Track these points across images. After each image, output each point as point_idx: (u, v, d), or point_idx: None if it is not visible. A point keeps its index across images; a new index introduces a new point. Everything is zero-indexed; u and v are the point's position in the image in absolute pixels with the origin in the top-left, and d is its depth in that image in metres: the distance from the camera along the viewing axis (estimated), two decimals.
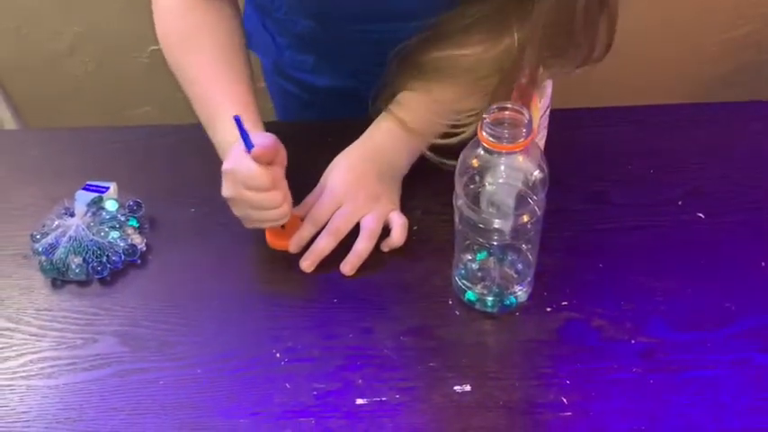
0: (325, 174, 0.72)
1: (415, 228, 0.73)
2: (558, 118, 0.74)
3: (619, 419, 0.59)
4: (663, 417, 0.59)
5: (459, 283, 0.67)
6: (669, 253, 0.70)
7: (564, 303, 0.66)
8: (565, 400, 0.60)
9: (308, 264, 0.69)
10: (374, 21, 0.74)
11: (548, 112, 0.71)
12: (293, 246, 0.70)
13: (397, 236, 0.70)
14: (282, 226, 0.70)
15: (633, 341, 0.64)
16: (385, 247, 0.71)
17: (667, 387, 0.61)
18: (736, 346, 0.63)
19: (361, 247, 0.69)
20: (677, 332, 0.64)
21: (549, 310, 0.66)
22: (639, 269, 0.69)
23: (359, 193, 0.71)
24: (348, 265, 0.69)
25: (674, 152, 0.79)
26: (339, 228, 0.70)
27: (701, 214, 0.73)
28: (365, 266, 0.70)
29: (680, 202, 0.74)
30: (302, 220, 0.71)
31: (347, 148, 0.74)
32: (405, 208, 0.73)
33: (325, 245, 0.69)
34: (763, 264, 0.69)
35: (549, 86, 0.69)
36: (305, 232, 0.70)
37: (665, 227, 0.72)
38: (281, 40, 0.86)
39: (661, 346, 0.63)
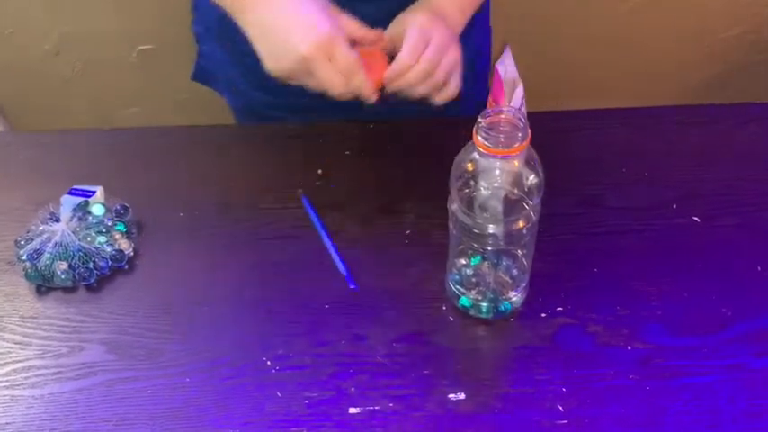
0: (393, 30, 0.70)
1: (408, 232, 0.72)
2: (552, 121, 0.74)
3: (615, 426, 0.59)
4: (659, 423, 0.59)
5: (454, 288, 0.66)
6: (664, 257, 0.70)
7: (559, 309, 0.66)
8: (560, 408, 0.60)
9: (393, 87, 0.67)
10: None
11: (523, 111, 0.70)
12: (391, 72, 0.67)
13: (453, 87, 0.68)
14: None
15: (629, 347, 0.63)
16: (439, 99, 0.69)
17: (663, 393, 0.60)
18: (731, 351, 0.63)
19: (405, 57, 0.66)
20: (673, 337, 0.64)
21: (543, 315, 0.65)
22: (635, 274, 0.68)
23: (442, 27, 0.68)
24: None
25: (669, 155, 0.79)
26: (432, 59, 0.67)
27: (696, 218, 0.73)
28: (358, 271, 0.69)
29: (675, 206, 0.74)
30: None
31: (409, 9, 0.72)
32: (398, 212, 0.73)
33: (416, 76, 0.67)
34: (758, 268, 0.68)
35: (520, 88, 0.68)
36: (406, 59, 0.66)
37: (661, 231, 0.72)
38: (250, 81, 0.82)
39: (657, 352, 0.63)
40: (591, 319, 0.65)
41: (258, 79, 0.81)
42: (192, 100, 1.40)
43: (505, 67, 0.69)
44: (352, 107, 0.74)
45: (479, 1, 0.75)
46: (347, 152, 0.79)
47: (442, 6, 0.72)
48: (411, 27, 0.68)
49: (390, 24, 0.70)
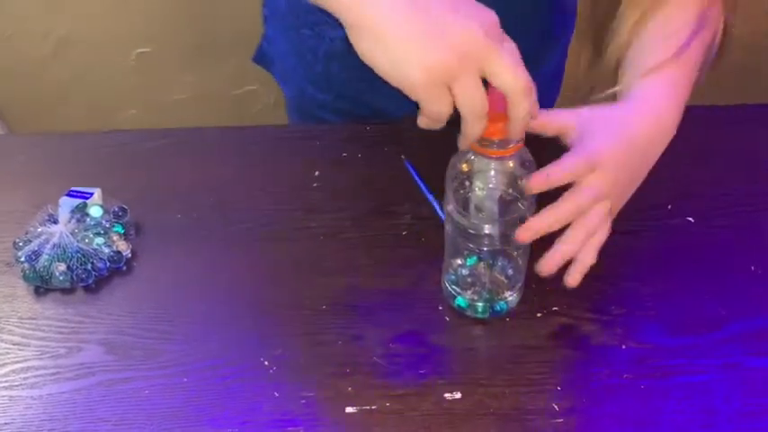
0: (566, 118, 0.56)
1: (404, 233, 0.72)
2: None
3: (610, 425, 0.59)
4: (654, 422, 0.59)
5: (450, 288, 0.66)
6: (659, 257, 0.70)
7: (554, 309, 0.66)
8: (556, 407, 0.60)
9: (527, 235, 0.56)
10: None
11: None
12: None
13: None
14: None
15: (624, 346, 0.63)
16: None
17: (658, 392, 0.61)
18: (726, 351, 0.63)
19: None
20: (668, 337, 0.64)
21: (539, 315, 0.66)
22: (630, 274, 0.68)
23: (620, 166, 0.54)
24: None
25: (663, 155, 0.78)
26: (581, 204, 0.53)
27: (690, 218, 0.73)
28: (354, 272, 0.69)
29: (669, 207, 0.74)
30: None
31: (621, 114, 0.56)
32: (394, 212, 0.73)
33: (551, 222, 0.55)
34: (753, 268, 0.69)
35: None
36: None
37: (655, 231, 0.72)
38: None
39: (652, 352, 0.63)
40: (586, 319, 0.65)
41: (313, 77, 0.80)
42: (189, 102, 1.41)
43: None
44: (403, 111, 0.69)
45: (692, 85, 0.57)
46: (344, 153, 0.79)
47: (656, 103, 0.56)
48: (579, 145, 0.52)
49: (572, 110, 0.54)
